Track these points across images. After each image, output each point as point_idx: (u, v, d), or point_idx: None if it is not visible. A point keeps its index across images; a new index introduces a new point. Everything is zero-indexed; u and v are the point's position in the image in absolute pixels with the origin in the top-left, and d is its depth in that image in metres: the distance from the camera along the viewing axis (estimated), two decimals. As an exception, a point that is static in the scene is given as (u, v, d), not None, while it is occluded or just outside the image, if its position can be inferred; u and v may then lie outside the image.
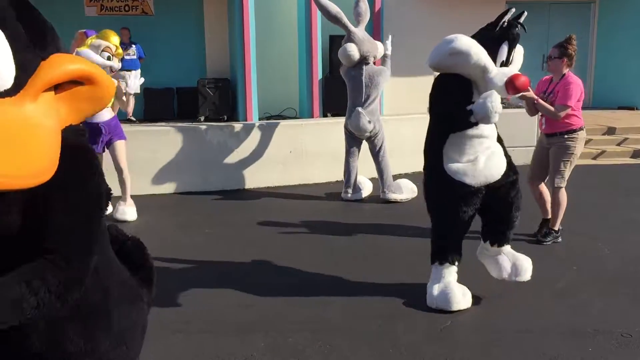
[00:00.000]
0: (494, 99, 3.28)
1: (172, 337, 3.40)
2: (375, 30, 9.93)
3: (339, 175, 7.75)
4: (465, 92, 3.49)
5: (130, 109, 9.12)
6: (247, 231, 5.62)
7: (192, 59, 10.14)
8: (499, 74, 3.36)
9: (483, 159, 3.57)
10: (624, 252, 4.86)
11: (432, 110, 3.66)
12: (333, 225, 5.73)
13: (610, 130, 9.95)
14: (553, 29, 12.44)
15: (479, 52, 3.36)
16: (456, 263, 3.70)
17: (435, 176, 3.65)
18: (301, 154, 7.57)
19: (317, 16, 9.48)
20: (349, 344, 3.31)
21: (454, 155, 3.58)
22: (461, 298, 3.60)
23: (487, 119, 3.35)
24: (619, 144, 9.68)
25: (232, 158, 7.33)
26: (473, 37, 3.50)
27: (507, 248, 3.84)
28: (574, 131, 4.85)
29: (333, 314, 3.69)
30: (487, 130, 3.59)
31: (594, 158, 9.22)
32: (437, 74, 3.68)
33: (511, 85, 3.31)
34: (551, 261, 4.57)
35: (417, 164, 7.99)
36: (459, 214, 3.58)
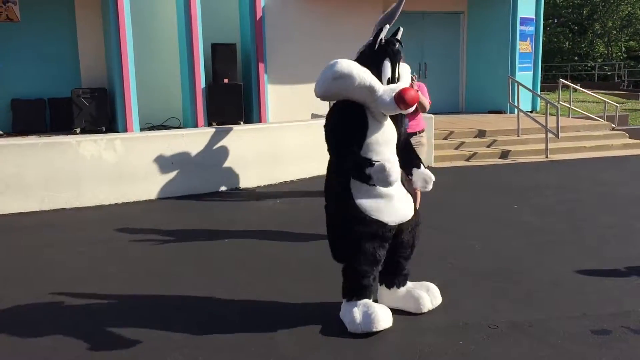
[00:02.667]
0: (386, 171, 3.17)
1: (39, 366, 3.19)
2: (258, 36, 9.97)
3: (224, 185, 7.68)
4: (359, 118, 3.39)
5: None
6: (126, 248, 5.40)
7: (64, 67, 9.64)
8: (386, 91, 3.32)
9: (397, 196, 3.50)
10: (494, 248, 5.19)
11: (330, 142, 3.44)
12: (216, 237, 5.64)
13: (481, 133, 10.63)
14: (427, 37, 13.13)
15: (361, 73, 3.30)
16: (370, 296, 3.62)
17: (345, 210, 3.44)
18: (184, 164, 7.39)
19: (198, 23, 9.35)
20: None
21: (364, 187, 3.41)
22: (385, 316, 3.51)
23: (385, 185, 3.25)
24: (488, 146, 10.36)
25: (110, 171, 7.00)
26: (355, 60, 3.45)
27: (408, 283, 3.82)
28: (423, 130, 5.56)
29: (212, 332, 3.61)
30: (391, 152, 3.51)
31: (467, 160, 9.79)
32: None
33: (401, 100, 3.26)
34: (427, 258, 4.77)
35: (301, 171, 8.20)
36: (376, 253, 3.46)
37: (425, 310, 3.73)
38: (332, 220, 3.55)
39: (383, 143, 3.47)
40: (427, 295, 3.74)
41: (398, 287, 3.77)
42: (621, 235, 5.55)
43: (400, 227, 3.54)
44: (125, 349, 3.36)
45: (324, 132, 3.48)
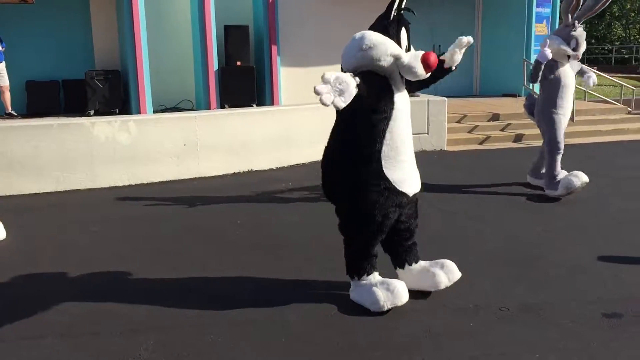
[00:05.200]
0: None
1: (54, 341, 3.24)
2: (271, 18, 9.92)
3: (236, 168, 7.71)
4: (386, 86, 3.43)
5: (8, 102, 8.62)
6: (139, 228, 5.45)
7: (78, 49, 9.64)
8: (411, 57, 3.37)
9: (414, 166, 3.62)
10: (508, 232, 5.18)
11: (358, 110, 3.31)
12: (228, 219, 5.68)
13: (495, 117, 10.54)
14: (440, 19, 12.99)
15: (387, 42, 3.38)
16: (374, 272, 3.66)
17: (375, 181, 3.44)
18: (196, 146, 7.42)
19: (211, 4, 9.32)
20: (239, 336, 3.30)
21: (392, 157, 3.46)
22: (404, 289, 3.55)
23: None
24: (502, 129, 10.28)
25: (123, 153, 7.05)
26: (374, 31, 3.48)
27: (421, 262, 3.81)
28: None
29: (224, 309, 3.65)
30: (409, 123, 3.58)
31: (480, 143, 9.73)
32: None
33: (425, 63, 3.33)
34: (442, 241, 4.77)
35: (313, 153, 8.19)
36: (385, 225, 3.52)
37: (442, 286, 3.70)
38: (354, 190, 3.50)
39: (403, 109, 3.51)
40: (443, 272, 3.72)
41: (410, 263, 3.78)
42: (635, 219, 5.50)
43: (413, 198, 3.66)
44: (139, 325, 3.42)
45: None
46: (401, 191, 3.51)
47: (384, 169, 3.46)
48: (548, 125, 6.29)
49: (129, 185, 7.10)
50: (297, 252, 4.68)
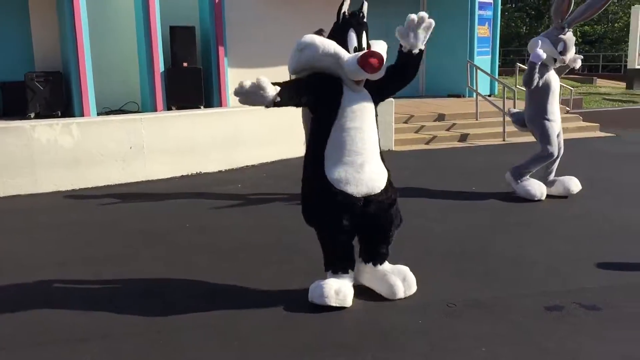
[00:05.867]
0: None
1: (-5, 355, 3.13)
2: (217, 19, 9.83)
3: (184, 170, 7.60)
4: (332, 86, 3.50)
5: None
6: (84, 233, 5.31)
7: (17, 50, 9.29)
8: (351, 57, 3.42)
9: (368, 167, 3.54)
10: (454, 228, 5.29)
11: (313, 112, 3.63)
12: (177, 222, 5.60)
13: (440, 117, 10.77)
14: (390, 20, 13.15)
15: (324, 41, 3.46)
16: (349, 271, 3.72)
17: (315, 184, 3.56)
18: (142, 149, 7.27)
19: (156, 5, 9.16)
20: (191, 342, 3.26)
21: (336, 157, 3.51)
22: (333, 294, 3.55)
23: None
24: (448, 129, 10.51)
25: (66, 157, 6.84)
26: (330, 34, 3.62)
27: (386, 265, 3.81)
28: None
29: (175, 314, 3.60)
30: (366, 123, 3.56)
31: (427, 143, 9.92)
32: None
33: (364, 62, 3.34)
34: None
35: (263, 155, 8.17)
36: (341, 223, 3.55)
37: (396, 298, 3.72)
38: (304, 186, 3.68)
39: (354, 109, 3.52)
40: (402, 285, 3.72)
41: (374, 264, 3.79)
42: (579, 214, 5.72)
43: (369, 200, 3.58)
44: (85, 333, 3.33)
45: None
46: (343, 192, 3.50)
47: (325, 169, 3.53)
48: (541, 133, 6.20)
49: (73, 189, 6.89)
50: (247, 255, 4.65)
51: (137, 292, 3.94)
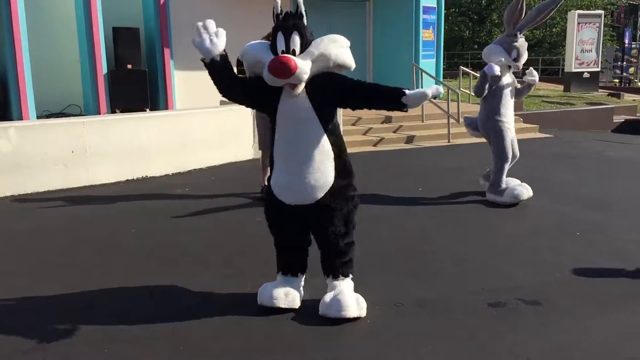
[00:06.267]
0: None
1: None
2: (162, 21, 9.70)
3: (129, 175, 7.45)
4: (271, 91, 3.38)
5: None
6: (26, 242, 5.13)
7: (-51, 51, 8.92)
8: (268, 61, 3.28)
9: (304, 175, 3.39)
10: (400, 229, 5.39)
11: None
12: (122, 228, 5.49)
13: (388, 119, 10.94)
14: (335, 24, 13.27)
15: (253, 49, 3.42)
16: (299, 274, 3.70)
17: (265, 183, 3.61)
18: (85, 153, 7.09)
19: (97, 6, 8.97)
20: (139, 351, 3.21)
21: (278, 162, 3.49)
22: (282, 296, 3.56)
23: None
24: (395, 131, 10.68)
25: (3, 162, 6.59)
26: None
27: (340, 281, 3.60)
28: None
29: (121, 324, 3.52)
30: (301, 129, 3.39)
31: (374, 145, 10.06)
32: None
33: (270, 66, 3.20)
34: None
35: (211, 158, 8.10)
36: (278, 229, 3.61)
37: (343, 317, 3.47)
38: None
39: (287, 114, 3.41)
40: (357, 309, 3.50)
41: (328, 276, 3.65)
42: (518, 213, 5.93)
43: (305, 210, 3.48)
44: (27, 345, 3.22)
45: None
46: (277, 198, 3.49)
47: (272, 173, 3.56)
48: (495, 135, 6.30)
49: (12, 196, 6.65)
50: (195, 260, 4.60)
51: (83, 301, 3.84)
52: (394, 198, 6.54)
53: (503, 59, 6.11)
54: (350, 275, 3.67)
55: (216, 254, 4.71)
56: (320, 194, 3.44)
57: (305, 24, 3.38)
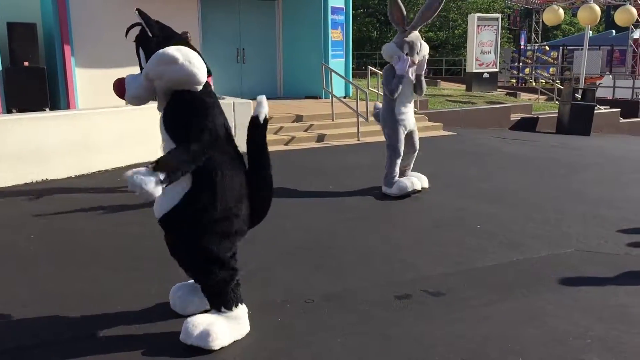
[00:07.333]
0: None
1: None
2: (62, 16, 9.28)
3: (28, 178, 7.08)
4: None
5: None
6: None
7: None
8: None
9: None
10: (309, 226, 5.47)
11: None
12: (21, 234, 5.21)
13: (299, 118, 11.02)
14: (244, 24, 13.22)
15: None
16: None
17: None
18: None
19: (-12, 0, 8.44)
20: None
21: None
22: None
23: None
24: (306, 130, 10.78)
25: None
26: None
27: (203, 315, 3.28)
28: None
29: (26, 337, 3.37)
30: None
31: (286, 144, 10.10)
32: None
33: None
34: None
35: (116, 159, 7.83)
36: None
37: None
38: None
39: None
40: (229, 336, 3.24)
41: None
42: (422, 207, 6.16)
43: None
44: None
45: None
46: None
47: None
48: (391, 130, 6.57)
49: None
50: (99, 263, 4.45)
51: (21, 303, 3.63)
52: (304, 197, 6.61)
53: (406, 56, 6.40)
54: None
55: (120, 257, 4.58)
56: (163, 210, 3.26)
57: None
